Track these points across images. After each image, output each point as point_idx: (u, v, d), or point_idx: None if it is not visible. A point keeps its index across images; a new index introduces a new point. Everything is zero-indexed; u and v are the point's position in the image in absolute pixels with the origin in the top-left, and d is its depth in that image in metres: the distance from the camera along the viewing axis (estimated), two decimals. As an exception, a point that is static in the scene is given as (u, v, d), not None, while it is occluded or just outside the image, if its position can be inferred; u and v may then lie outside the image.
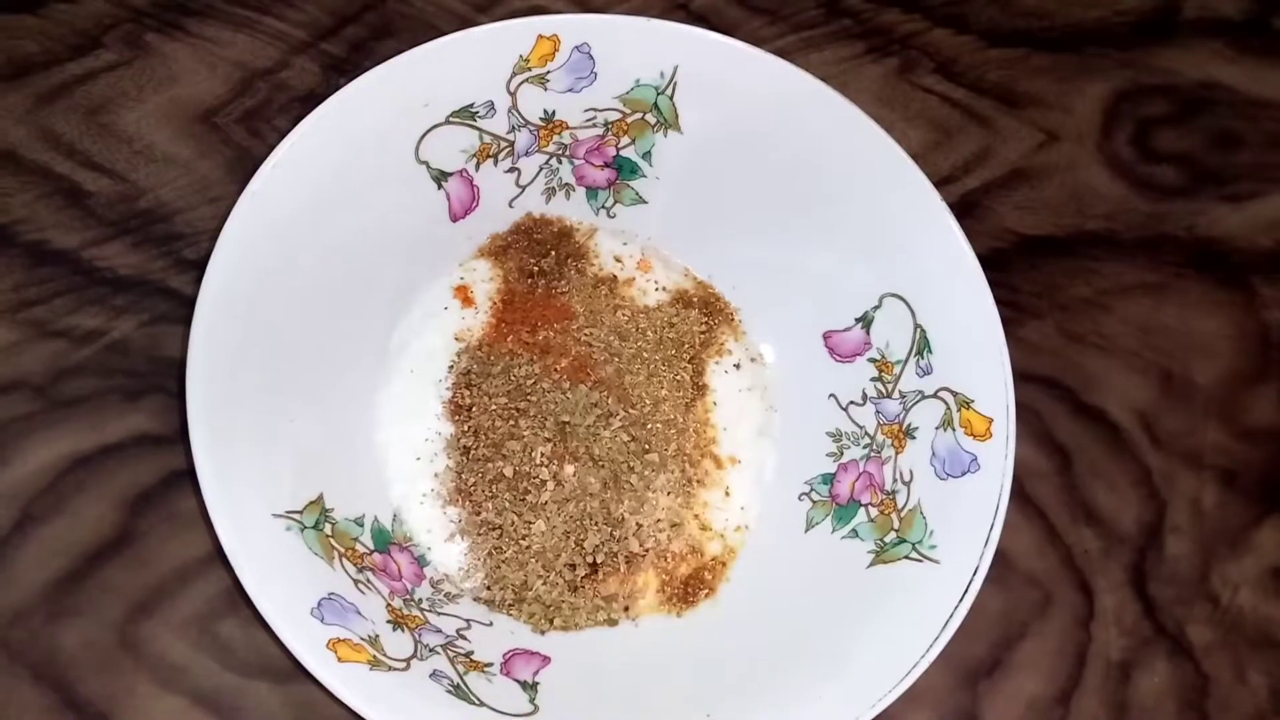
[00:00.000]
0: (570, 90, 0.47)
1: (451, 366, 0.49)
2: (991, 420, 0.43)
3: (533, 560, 0.45)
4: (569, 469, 0.46)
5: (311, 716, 0.44)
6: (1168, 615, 0.51)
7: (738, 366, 0.51)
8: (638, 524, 0.47)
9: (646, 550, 0.47)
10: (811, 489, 0.48)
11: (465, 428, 0.47)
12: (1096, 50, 0.61)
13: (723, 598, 0.47)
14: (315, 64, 0.55)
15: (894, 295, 0.47)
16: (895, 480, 0.45)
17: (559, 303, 0.50)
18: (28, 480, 0.46)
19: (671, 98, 0.47)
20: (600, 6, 0.58)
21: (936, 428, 0.45)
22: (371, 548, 0.44)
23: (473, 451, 0.47)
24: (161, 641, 0.45)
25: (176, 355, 0.48)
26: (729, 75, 0.46)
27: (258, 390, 0.42)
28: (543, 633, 0.45)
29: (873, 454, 0.47)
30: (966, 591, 0.40)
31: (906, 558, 0.43)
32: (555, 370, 0.48)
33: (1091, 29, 0.62)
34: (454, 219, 0.49)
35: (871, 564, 0.44)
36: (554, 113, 0.47)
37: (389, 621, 0.41)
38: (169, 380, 0.48)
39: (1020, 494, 0.51)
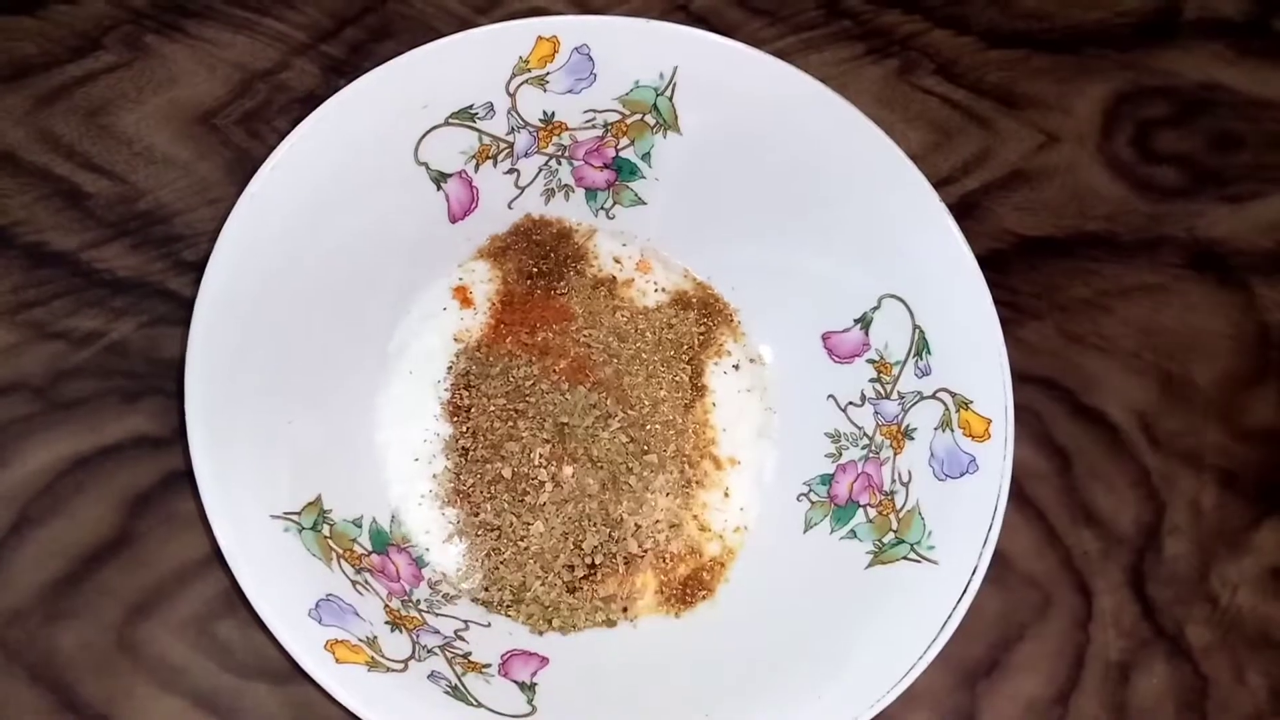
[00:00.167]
0: (570, 91, 0.47)
1: (450, 367, 0.49)
2: (990, 421, 0.43)
3: (531, 561, 0.45)
4: (568, 470, 0.46)
5: (310, 717, 0.44)
6: (1167, 616, 0.51)
7: (737, 367, 0.51)
8: (636, 525, 0.47)
9: (645, 551, 0.47)
10: (810, 490, 0.48)
11: (464, 429, 0.47)
12: (1097, 51, 0.61)
13: (721, 598, 0.47)
14: (315, 66, 0.55)
15: (893, 296, 0.47)
16: (894, 481, 0.45)
17: (558, 304, 0.50)
18: (26, 481, 0.46)
19: (671, 99, 0.47)
20: (600, 8, 0.58)
21: (935, 428, 0.44)
22: (370, 549, 0.44)
23: (471, 452, 0.47)
24: (160, 643, 0.45)
25: (175, 357, 0.48)
26: (728, 77, 0.46)
27: (256, 392, 0.42)
28: (541, 634, 0.45)
29: (871, 455, 0.47)
30: (965, 592, 0.40)
31: (905, 558, 0.43)
32: (554, 371, 0.48)
33: (1092, 30, 0.62)
34: (453, 220, 0.49)
35: (870, 565, 0.44)
36: (553, 114, 0.47)
37: (387, 622, 0.41)
38: (168, 382, 0.48)
39: (1019, 495, 0.51)
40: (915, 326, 0.46)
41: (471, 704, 0.40)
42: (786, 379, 0.51)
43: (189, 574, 0.46)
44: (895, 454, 0.46)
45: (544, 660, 0.44)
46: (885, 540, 0.44)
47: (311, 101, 0.46)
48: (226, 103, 0.54)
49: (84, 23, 0.54)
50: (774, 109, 0.46)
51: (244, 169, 0.51)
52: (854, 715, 0.39)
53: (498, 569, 0.45)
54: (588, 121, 0.48)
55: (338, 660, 0.38)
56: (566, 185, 0.51)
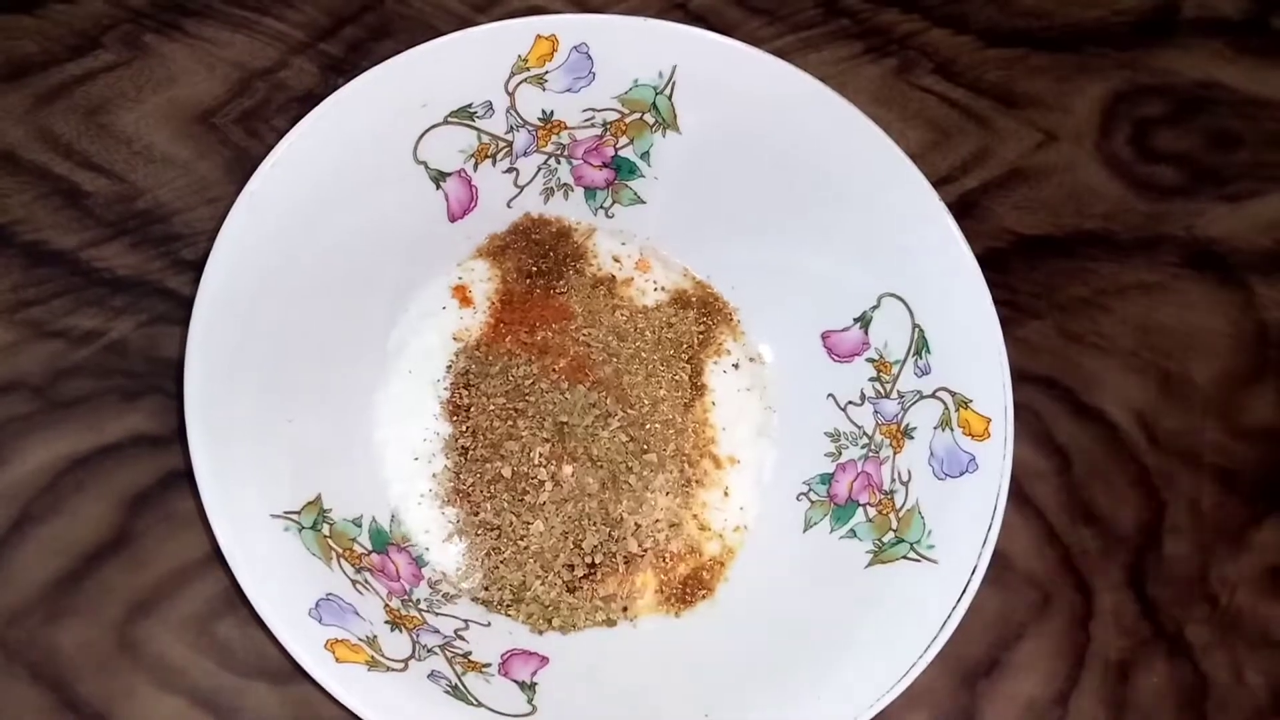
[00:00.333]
0: (568, 90, 0.47)
1: (450, 366, 0.49)
2: (990, 420, 0.43)
3: (531, 560, 0.45)
4: (567, 469, 0.46)
5: (309, 717, 0.44)
6: (1166, 615, 0.51)
7: (736, 366, 0.51)
8: (636, 524, 0.47)
9: (645, 550, 0.47)
10: (810, 489, 0.48)
11: (463, 428, 0.47)
12: (1095, 50, 0.61)
13: (721, 598, 0.47)
14: (313, 64, 0.55)
15: (892, 295, 0.47)
16: (893, 480, 0.45)
17: (557, 303, 0.50)
18: (26, 480, 0.46)
19: (670, 98, 0.47)
20: (598, 6, 0.58)
21: (935, 428, 0.44)
22: (369, 548, 0.44)
23: (471, 452, 0.47)
24: (160, 642, 0.45)
25: (174, 356, 0.48)
26: (727, 75, 0.46)
27: (256, 390, 0.42)
28: (541, 633, 0.45)
29: (871, 454, 0.47)
30: (965, 591, 0.40)
31: (905, 558, 0.43)
32: (553, 370, 0.48)
33: (1090, 29, 0.62)
34: (452, 219, 0.49)
35: (870, 564, 0.44)
36: (552, 113, 0.47)
37: (387, 622, 0.41)
38: (167, 381, 0.48)
39: (1019, 494, 0.51)
40: (915, 325, 0.46)
41: (471, 703, 0.40)
42: (786, 378, 0.51)
43: (189, 573, 0.46)
44: (895, 453, 0.46)
45: (544, 660, 0.44)
46: (885, 539, 0.44)
47: (310, 100, 0.46)
48: (225, 101, 0.54)
49: (83, 22, 0.54)
50: (773, 108, 0.46)
51: (243, 168, 0.51)
52: (854, 715, 0.39)
53: (497, 568, 0.45)
54: (587, 120, 0.48)
55: (338, 660, 0.38)
56: (565, 184, 0.51)
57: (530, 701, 0.41)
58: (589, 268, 0.52)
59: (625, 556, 0.46)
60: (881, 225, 0.46)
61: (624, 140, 0.49)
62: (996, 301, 0.44)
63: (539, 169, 0.50)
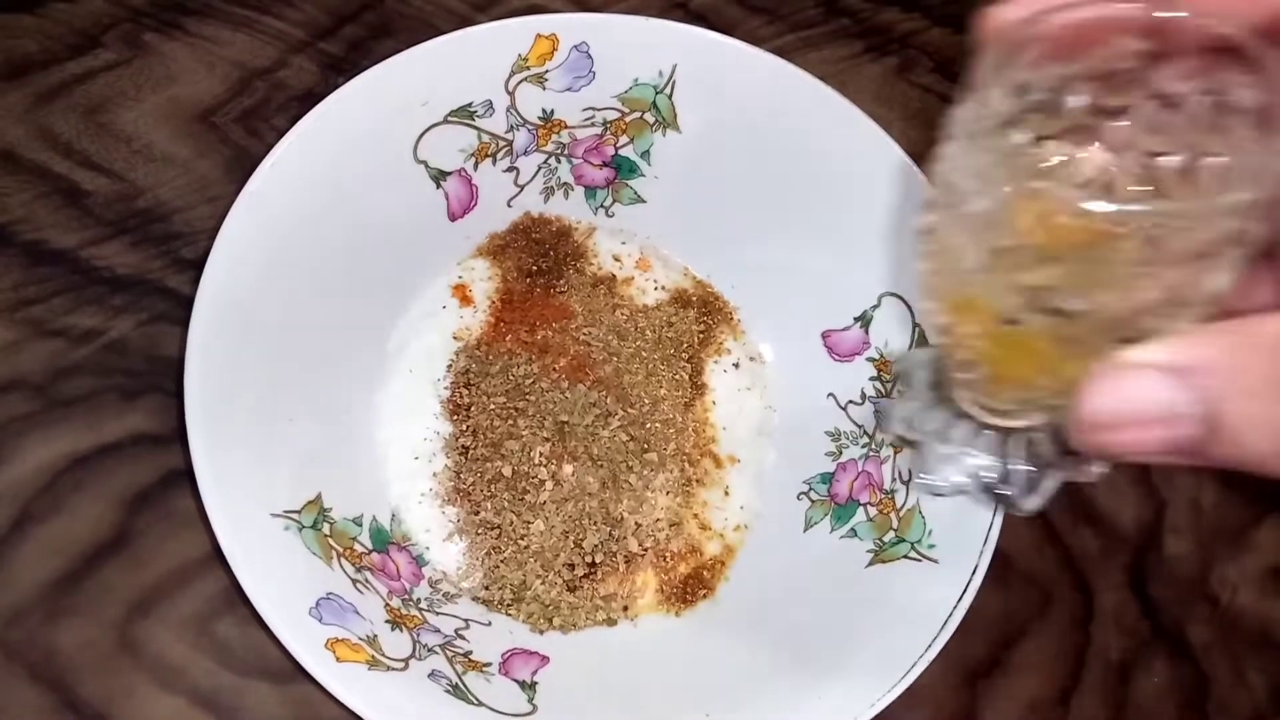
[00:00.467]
0: (569, 89, 0.47)
1: (450, 366, 0.49)
2: (990, 420, 0.43)
3: (531, 560, 0.45)
4: (568, 468, 0.46)
5: (310, 716, 0.44)
6: (1167, 615, 0.51)
7: (736, 365, 0.51)
8: (636, 523, 0.47)
9: (645, 550, 0.47)
10: (810, 488, 0.48)
11: (464, 427, 0.47)
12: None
13: (721, 597, 0.47)
14: (314, 63, 0.55)
15: (893, 294, 0.47)
16: (894, 479, 0.45)
17: (557, 302, 0.50)
18: (26, 480, 0.46)
19: (670, 97, 0.47)
20: (598, 6, 0.58)
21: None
22: (370, 547, 0.44)
23: (471, 451, 0.47)
24: (160, 641, 0.45)
25: (174, 355, 0.48)
26: (728, 74, 0.46)
27: (256, 390, 0.42)
28: (541, 632, 0.45)
29: (871, 453, 0.47)
30: (965, 591, 0.40)
31: (905, 557, 0.43)
32: (554, 369, 0.48)
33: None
34: (452, 218, 0.49)
35: (870, 563, 0.44)
36: (552, 112, 0.47)
37: (387, 621, 0.41)
38: (167, 380, 0.48)
39: (1019, 493, 0.51)
40: (915, 325, 0.46)
41: (472, 703, 0.40)
42: (786, 377, 0.51)
43: (189, 572, 0.46)
44: (895, 452, 0.46)
45: (544, 659, 0.44)
46: (886, 539, 0.44)
47: (310, 99, 0.46)
48: (225, 100, 0.54)
49: (83, 20, 0.54)
50: (773, 107, 0.46)
51: (243, 167, 0.51)
52: (854, 714, 0.39)
53: (498, 567, 0.45)
54: (587, 119, 0.48)
55: (338, 659, 0.38)
56: (566, 183, 0.51)
57: (530, 701, 0.41)
58: (589, 267, 0.51)
59: (626, 556, 0.46)
60: (881, 224, 0.46)
61: (624, 139, 0.49)
62: (997, 301, 0.44)
63: (539, 168, 0.49)
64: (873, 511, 0.45)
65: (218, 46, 0.55)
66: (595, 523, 0.46)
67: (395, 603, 0.42)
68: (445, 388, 0.48)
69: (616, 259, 0.52)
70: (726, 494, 0.49)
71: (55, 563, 0.45)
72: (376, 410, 0.48)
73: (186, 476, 0.46)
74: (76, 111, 0.52)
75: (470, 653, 0.42)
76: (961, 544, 0.42)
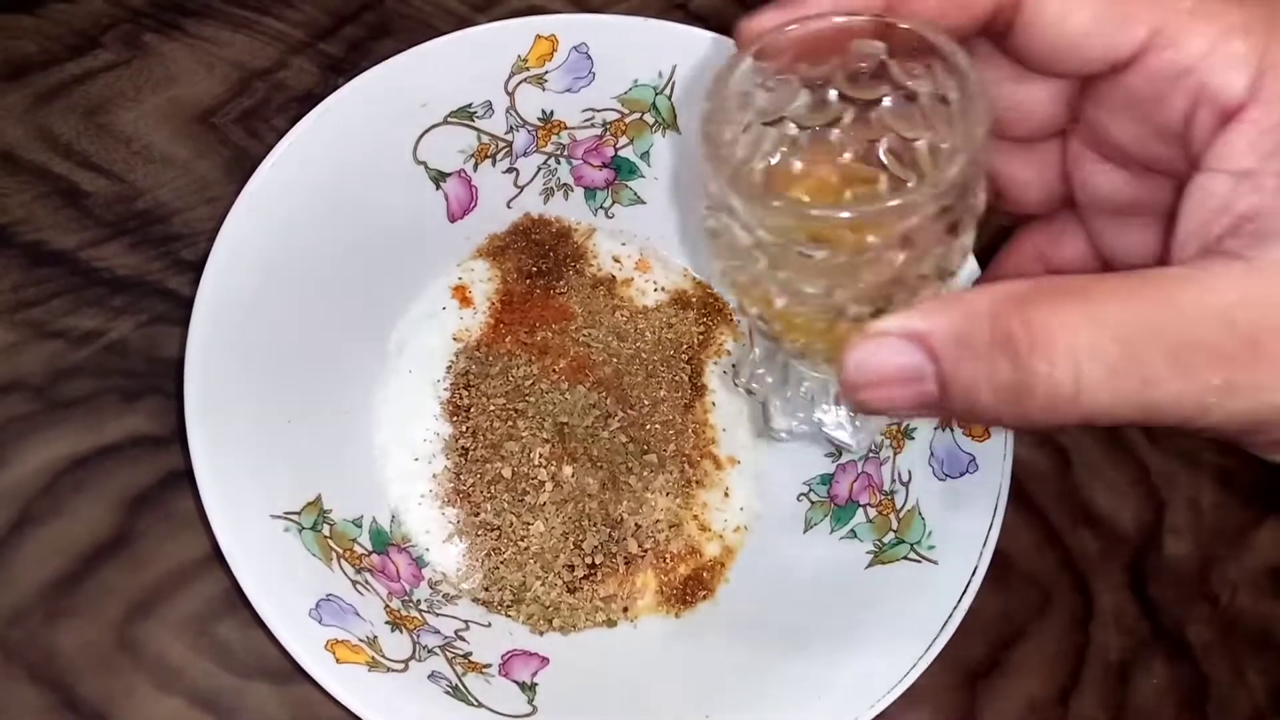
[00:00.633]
0: (568, 90, 0.47)
1: (450, 367, 0.49)
2: (990, 420, 0.43)
3: (531, 561, 0.45)
4: (567, 470, 0.46)
5: (310, 718, 0.44)
6: (1166, 616, 0.51)
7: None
8: (636, 525, 0.47)
9: (645, 551, 0.47)
10: (810, 489, 0.48)
11: (463, 428, 0.47)
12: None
13: (721, 598, 0.47)
14: (313, 64, 0.55)
15: (892, 295, 0.47)
16: (894, 481, 0.45)
17: (557, 303, 0.50)
18: (25, 481, 0.46)
19: (670, 98, 0.47)
20: (598, 6, 0.58)
21: (935, 428, 0.44)
22: (370, 549, 0.44)
23: (471, 452, 0.47)
24: (159, 642, 0.45)
25: (174, 356, 0.48)
26: (727, 75, 0.46)
27: (256, 391, 0.42)
28: (541, 634, 0.45)
29: (871, 454, 0.47)
30: (965, 592, 0.40)
31: (905, 558, 0.43)
32: (554, 371, 0.48)
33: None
34: (452, 219, 0.49)
35: (870, 564, 0.44)
36: (552, 113, 0.47)
37: (387, 623, 0.41)
38: (167, 381, 0.48)
39: (1019, 494, 0.51)
40: None
41: (472, 704, 0.40)
42: (786, 378, 0.51)
43: (189, 574, 0.46)
44: (895, 453, 0.46)
45: (544, 660, 0.44)
46: (885, 540, 0.44)
47: (310, 100, 0.46)
48: (225, 101, 0.54)
49: (82, 21, 0.54)
50: (773, 108, 0.46)
51: (243, 168, 0.51)
52: (854, 714, 0.39)
53: (498, 569, 0.45)
54: (586, 120, 0.48)
55: (338, 660, 0.38)
56: (565, 184, 0.51)
57: (530, 702, 0.41)
58: (589, 268, 0.51)
59: (625, 557, 0.46)
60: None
61: (624, 140, 0.49)
62: (997, 301, 0.44)
63: (539, 169, 0.49)
64: (872, 513, 0.45)
65: (217, 47, 0.55)
66: (595, 524, 0.46)
67: (395, 604, 0.42)
68: (445, 389, 0.48)
69: (616, 260, 0.52)
70: (726, 495, 0.49)
71: (55, 563, 0.45)
72: (376, 411, 0.48)
73: (186, 478, 0.46)
74: (76, 112, 0.52)
75: (470, 654, 0.42)
76: (961, 545, 0.42)
